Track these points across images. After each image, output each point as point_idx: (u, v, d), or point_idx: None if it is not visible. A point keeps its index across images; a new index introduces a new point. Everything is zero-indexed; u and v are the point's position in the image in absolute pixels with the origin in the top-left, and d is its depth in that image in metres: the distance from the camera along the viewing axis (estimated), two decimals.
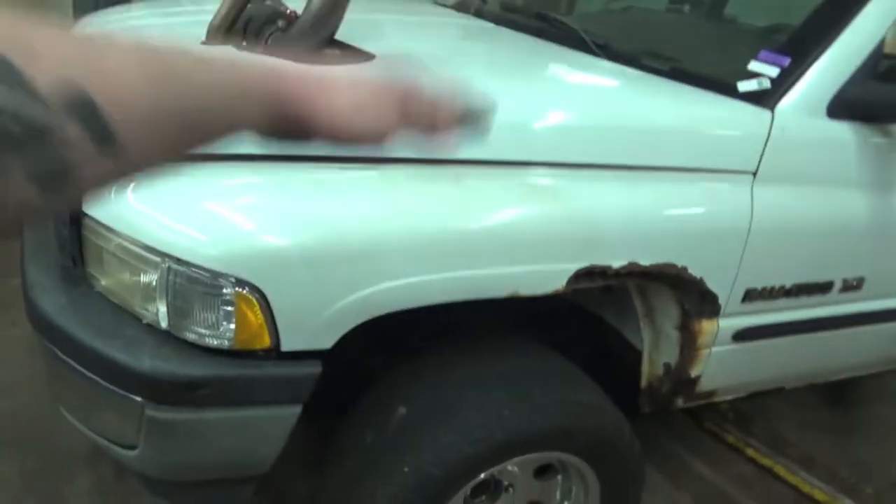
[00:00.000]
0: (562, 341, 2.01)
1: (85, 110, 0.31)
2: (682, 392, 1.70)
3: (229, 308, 1.11)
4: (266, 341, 1.14)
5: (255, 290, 1.10)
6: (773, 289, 1.56)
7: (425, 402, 1.37)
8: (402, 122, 0.53)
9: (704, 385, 1.68)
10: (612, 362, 1.83)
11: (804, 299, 1.61)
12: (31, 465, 1.87)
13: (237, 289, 1.10)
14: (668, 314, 1.57)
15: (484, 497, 1.57)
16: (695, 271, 1.42)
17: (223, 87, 0.40)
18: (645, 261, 1.36)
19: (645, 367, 1.70)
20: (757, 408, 2.07)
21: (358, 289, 1.16)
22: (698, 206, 1.40)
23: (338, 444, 1.45)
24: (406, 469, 1.27)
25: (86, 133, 0.31)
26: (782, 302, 1.59)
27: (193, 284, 1.11)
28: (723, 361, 1.64)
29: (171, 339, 1.16)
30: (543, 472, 1.56)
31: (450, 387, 1.39)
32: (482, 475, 1.36)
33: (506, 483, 1.55)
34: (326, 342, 1.18)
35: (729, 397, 1.86)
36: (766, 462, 1.88)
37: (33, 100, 0.29)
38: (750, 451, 1.92)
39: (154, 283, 1.14)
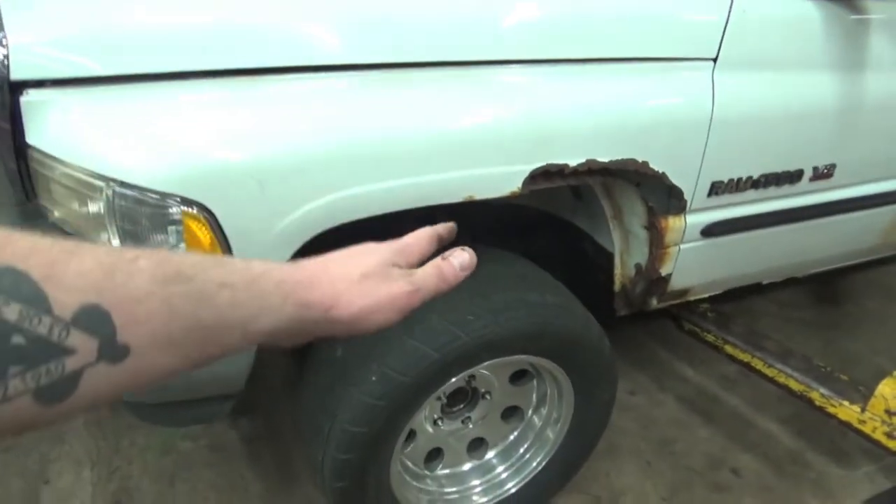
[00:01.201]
0: (540, 253, 2.03)
1: (97, 322, 0.33)
2: (655, 291, 1.70)
3: (177, 228, 1.10)
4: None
5: (202, 208, 1.09)
6: (739, 181, 1.54)
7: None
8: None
9: (676, 283, 1.69)
10: (589, 269, 1.84)
11: (773, 190, 1.59)
12: None
13: (184, 208, 1.09)
14: (635, 213, 1.56)
15: (462, 405, 1.61)
16: (657, 165, 1.40)
17: (243, 307, 0.41)
18: (603, 157, 1.33)
19: (617, 270, 1.70)
20: (739, 308, 2.09)
21: (307, 201, 1.15)
22: (657, 97, 1.37)
23: (311, 360, 1.47)
24: (374, 378, 1.29)
25: (96, 348, 0.33)
26: (750, 194, 1.57)
27: (140, 207, 1.09)
28: (693, 258, 1.63)
29: None
30: (519, 377, 1.60)
31: None
32: (453, 380, 1.38)
33: (482, 390, 1.58)
34: (281, 256, 1.18)
35: (705, 295, 1.87)
36: (744, 357, 1.90)
37: (48, 315, 0.31)
38: (728, 348, 1.95)
39: (101, 209, 1.13)
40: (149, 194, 1.08)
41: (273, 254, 1.17)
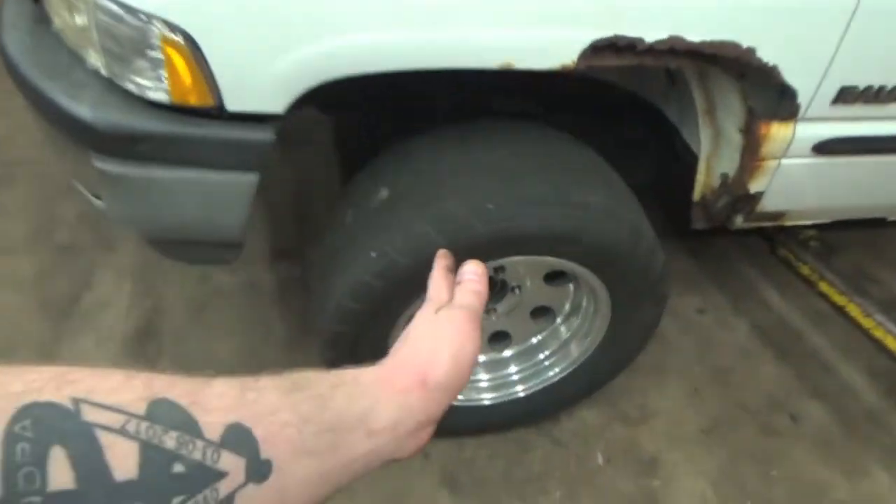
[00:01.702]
0: (623, 143, 1.76)
1: (242, 441, 0.34)
2: (741, 209, 1.43)
3: (158, 55, 0.97)
4: (208, 99, 1.01)
5: (186, 36, 0.95)
6: (882, 90, 1.18)
7: (408, 186, 1.22)
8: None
9: (768, 204, 1.40)
10: (671, 170, 1.57)
11: None
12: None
13: (166, 33, 0.95)
14: (732, 111, 1.26)
15: (494, 311, 1.47)
16: (767, 56, 1.09)
17: (358, 402, 0.44)
18: (694, 35, 1.04)
19: (700, 176, 1.43)
20: (847, 240, 1.75)
21: (306, 43, 0.97)
22: None
23: (328, 220, 1.37)
24: (373, 254, 1.16)
25: (244, 467, 0.34)
26: (892, 108, 1.22)
27: (121, 26, 0.96)
28: (795, 178, 1.33)
29: (115, 88, 1.05)
30: (555, 277, 1.42)
31: (437, 172, 1.22)
32: None
33: (512, 284, 1.43)
34: (277, 105, 1.03)
35: (804, 223, 1.56)
36: (839, 299, 1.61)
37: (201, 440, 0.32)
38: (823, 285, 1.65)
39: (86, 23, 1.01)
40: (129, 14, 0.94)
41: (269, 100, 1.02)
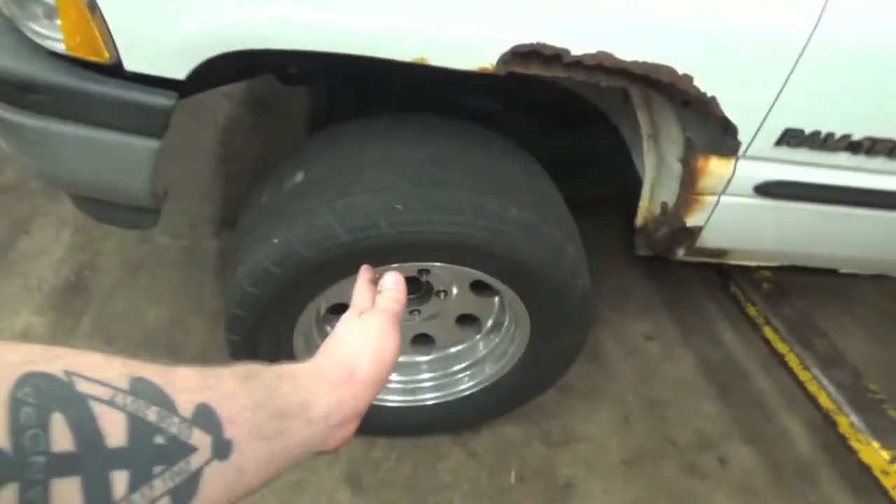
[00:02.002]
0: (582, 156, 1.71)
1: (209, 420, 0.39)
2: (681, 242, 1.37)
3: (52, 1, 0.92)
4: (103, 54, 0.96)
5: None
6: (829, 137, 1.11)
7: (323, 174, 1.17)
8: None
9: (708, 240, 1.33)
10: (619, 191, 1.51)
11: (873, 161, 1.15)
12: None
13: None
14: (672, 139, 1.20)
15: (414, 296, 1.42)
16: (705, 86, 1.02)
17: (298, 393, 0.49)
18: (625, 54, 0.98)
19: (643, 203, 1.37)
20: (801, 284, 1.68)
21: (207, 11, 0.92)
22: None
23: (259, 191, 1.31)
24: (275, 240, 1.12)
25: (210, 444, 0.38)
26: (841, 157, 1.15)
27: None
28: (736, 217, 1.27)
29: (15, 32, 1.01)
30: (482, 288, 1.37)
31: (355, 162, 1.17)
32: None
33: (438, 288, 1.38)
34: (178, 71, 0.98)
35: (747, 263, 1.49)
36: (780, 347, 1.55)
37: (176, 416, 0.37)
38: (767, 330, 1.59)
39: None
40: None
41: (169, 64, 0.97)
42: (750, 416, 1.82)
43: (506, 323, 1.42)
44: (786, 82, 1.03)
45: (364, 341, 0.58)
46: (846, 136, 1.12)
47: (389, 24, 0.93)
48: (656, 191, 1.33)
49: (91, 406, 0.33)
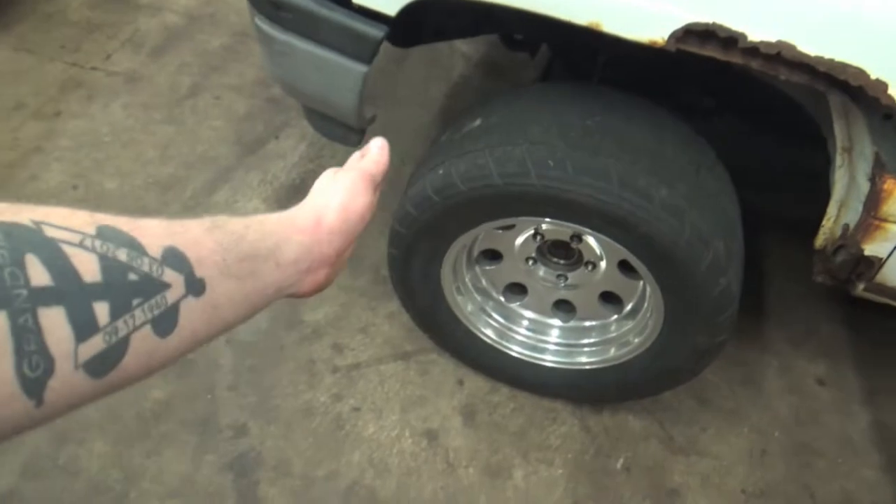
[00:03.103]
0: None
1: (178, 260, 0.40)
2: (861, 273, 1.25)
3: None
4: None
5: None
6: None
7: (497, 123, 1.28)
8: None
9: (889, 277, 1.20)
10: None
11: None
12: None
13: None
14: (865, 155, 1.10)
15: (562, 261, 1.48)
16: None
17: (266, 239, 0.51)
18: (808, 46, 0.93)
19: (827, 222, 1.27)
20: None
21: None
22: None
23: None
24: (440, 171, 1.26)
25: (183, 282, 0.40)
26: None
27: None
28: None
29: None
30: (630, 269, 1.39)
31: (528, 118, 1.25)
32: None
33: (587, 259, 1.43)
34: (390, 8, 1.15)
35: None
36: None
37: (146, 256, 0.38)
38: None
39: None
40: None
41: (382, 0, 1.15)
42: None
43: (642, 310, 1.42)
44: None
45: (333, 193, 0.61)
46: None
47: None
48: (842, 211, 1.22)
49: (62, 248, 0.34)
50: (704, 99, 1.67)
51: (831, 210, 1.25)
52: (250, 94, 2.30)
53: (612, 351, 1.48)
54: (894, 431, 1.70)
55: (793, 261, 1.55)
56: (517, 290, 1.56)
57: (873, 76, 0.93)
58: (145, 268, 0.38)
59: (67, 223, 0.36)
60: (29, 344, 0.32)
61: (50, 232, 0.34)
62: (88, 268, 0.35)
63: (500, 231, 1.40)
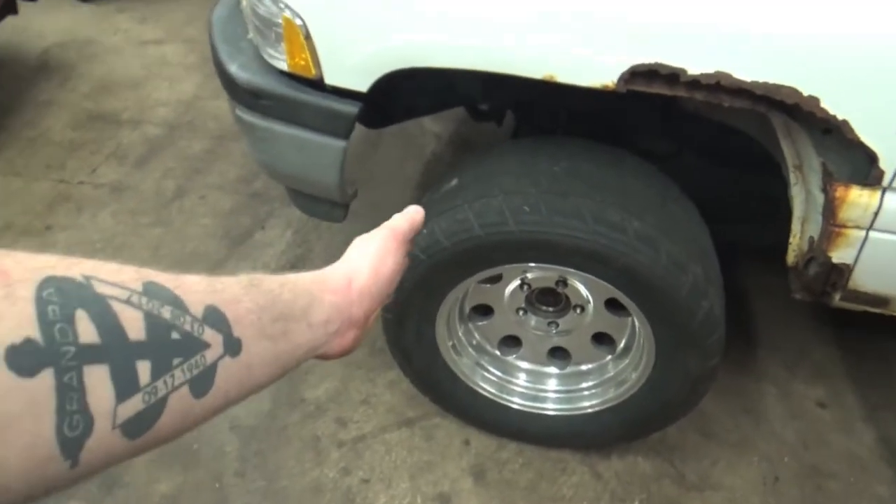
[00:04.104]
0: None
1: (218, 320, 0.42)
2: (835, 284, 1.31)
3: (280, 31, 1.24)
4: (312, 71, 1.26)
5: (301, 18, 1.21)
6: None
7: (472, 180, 1.35)
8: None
9: (864, 283, 1.26)
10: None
11: None
12: None
13: (287, 14, 1.22)
14: (814, 168, 1.19)
15: (551, 308, 1.53)
16: (834, 108, 1.03)
17: (300, 299, 0.53)
18: (744, 73, 1.03)
19: (793, 238, 1.34)
20: None
21: (386, 35, 1.17)
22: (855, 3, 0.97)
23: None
24: (424, 231, 1.32)
25: (222, 342, 0.42)
26: None
27: (260, 6, 1.26)
28: (889, 257, 1.19)
29: (259, 56, 1.36)
30: (618, 307, 1.43)
31: (499, 172, 1.33)
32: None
33: (575, 302, 1.47)
34: (363, 84, 1.24)
35: None
36: None
37: (188, 315, 0.39)
38: None
39: (245, 2, 1.33)
40: None
41: (356, 78, 1.24)
42: None
43: (634, 345, 1.46)
44: None
45: (365, 253, 0.63)
46: None
47: (526, 46, 1.10)
48: (805, 226, 1.30)
49: (110, 304, 0.35)
50: (663, 143, 1.78)
51: (795, 226, 1.32)
52: (234, 190, 2.38)
53: (612, 391, 1.50)
54: None
55: (774, 287, 1.60)
56: (511, 342, 1.59)
57: (805, 93, 1.02)
58: (187, 326, 0.39)
59: (116, 279, 0.36)
60: (71, 403, 0.32)
61: (100, 288, 0.35)
62: (134, 325, 0.36)
63: (488, 285, 1.45)
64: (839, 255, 1.22)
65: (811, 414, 1.79)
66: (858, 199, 1.12)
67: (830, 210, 1.16)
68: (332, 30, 1.21)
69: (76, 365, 0.32)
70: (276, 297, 0.49)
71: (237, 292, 0.45)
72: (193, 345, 0.39)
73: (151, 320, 0.37)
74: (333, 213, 1.57)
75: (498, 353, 1.60)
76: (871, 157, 1.07)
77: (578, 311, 1.48)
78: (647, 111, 1.54)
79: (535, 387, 1.58)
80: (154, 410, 0.36)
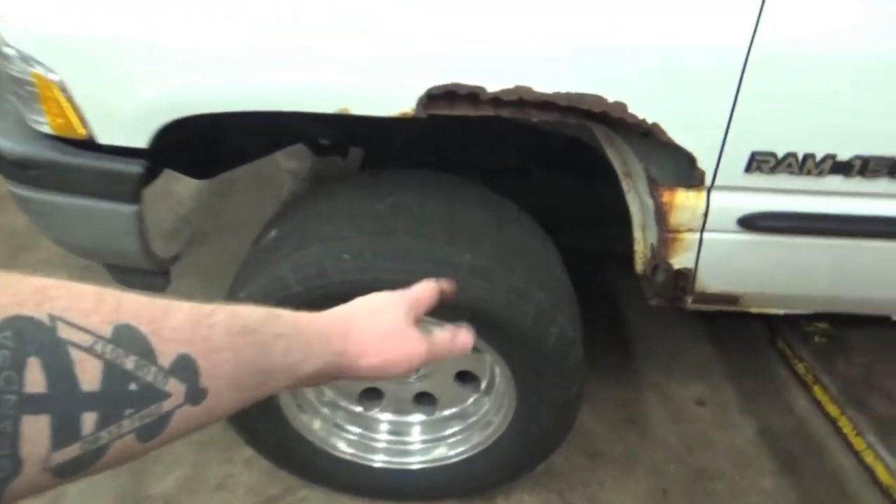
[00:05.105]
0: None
1: (187, 371, 0.40)
2: (684, 288, 1.26)
3: (35, 90, 1.07)
4: (80, 130, 1.09)
5: (54, 74, 1.04)
6: (807, 160, 1.00)
7: (290, 230, 1.22)
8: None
9: (708, 284, 1.22)
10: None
11: (868, 182, 1.02)
12: None
13: (38, 72, 1.04)
14: (638, 173, 1.13)
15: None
16: (643, 112, 0.97)
17: (293, 354, 0.50)
18: (544, 86, 0.96)
19: (637, 246, 1.29)
20: (864, 338, 1.45)
21: (148, 85, 1.02)
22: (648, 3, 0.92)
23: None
24: (242, 294, 1.17)
25: (185, 389, 0.40)
26: (831, 182, 1.03)
27: (10, 66, 1.08)
28: (727, 256, 1.16)
29: (23, 121, 1.17)
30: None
31: (319, 218, 1.21)
32: None
33: None
34: (140, 140, 1.08)
35: (771, 311, 1.33)
36: (831, 409, 1.34)
37: (154, 366, 0.38)
38: (817, 390, 1.39)
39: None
40: (11, 51, 1.05)
41: (132, 134, 1.08)
42: (821, 495, 1.57)
43: (496, 381, 1.36)
44: (736, 99, 0.95)
45: (390, 349, 0.60)
46: (830, 157, 1.00)
47: (308, 78, 0.98)
48: (646, 233, 1.25)
49: (69, 352, 0.34)
50: (508, 160, 1.72)
51: (637, 234, 1.27)
52: (61, 265, 2.12)
53: (477, 436, 1.39)
54: (777, 433, 1.71)
55: (639, 293, 1.57)
56: (372, 394, 1.46)
57: (611, 100, 0.96)
58: (149, 377, 0.38)
59: (85, 322, 0.36)
60: (2, 448, 0.32)
61: (63, 331, 0.34)
62: (89, 376, 0.35)
63: None
64: (679, 261, 1.17)
65: (691, 414, 1.76)
66: (686, 202, 1.08)
67: (661, 216, 1.10)
68: (91, 83, 1.04)
69: (14, 414, 0.32)
70: (265, 350, 0.47)
71: (221, 340, 0.44)
72: (151, 395, 0.38)
73: (110, 370, 0.36)
74: (154, 283, 1.38)
75: (360, 409, 1.47)
76: (689, 159, 1.02)
77: None
78: (482, 131, 1.47)
79: (400, 440, 1.44)
80: (92, 456, 0.36)
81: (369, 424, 1.45)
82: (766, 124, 0.98)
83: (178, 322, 0.41)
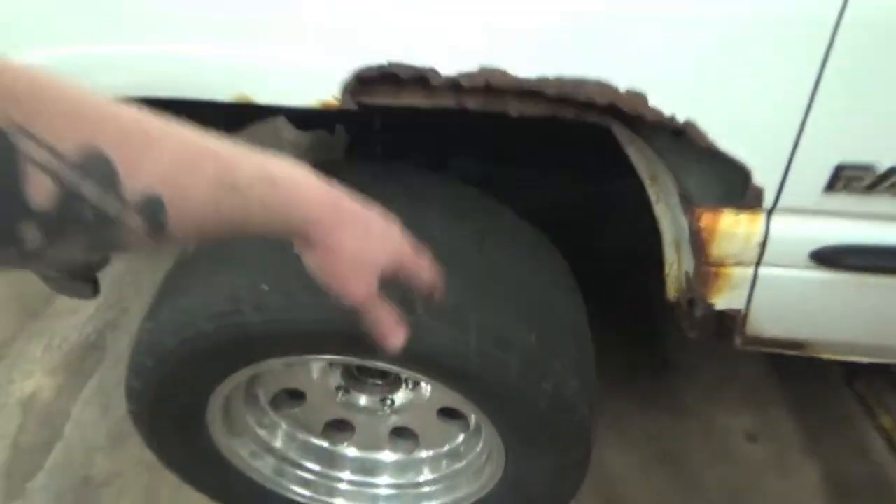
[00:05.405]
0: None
1: (154, 212, 0.38)
2: (731, 328, 0.94)
3: None
4: None
5: None
6: None
7: (214, 251, 0.95)
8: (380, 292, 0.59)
9: (764, 328, 0.90)
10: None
11: None
12: None
13: None
14: (667, 184, 0.81)
15: (379, 381, 1.15)
16: (670, 105, 0.65)
17: (272, 225, 0.47)
18: (523, 68, 0.64)
19: (669, 269, 0.97)
20: None
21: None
22: None
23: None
24: (148, 324, 0.92)
25: (146, 226, 0.38)
26: None
27: None
28: (793, 297, 0.83)
29: None
30: None
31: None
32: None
33: (404, 375, 1.09)
34: None
35: (847, 358, 1.00)
36: None
37: (116, 200, 0.36)
38: None
39: None
40: None
41: None
42: None
43: (481, 432, 1.09)
44: (817, 86, 0.62)
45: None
46: None
47: (204, 61, 0.70)
48: (681, 255, 0.93)
49: (20, 166, 0.32)
50: (482, 165, 1.41)
51: (668, 254, 0.95)
52: None
53: (462, 490, 1.13)
54: (847, 480, 1.38)
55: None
56: (342, 426, 1.21)
57: (623, 88, 0.64)
58: (109, 210, 0.35)
59: (56, 138, 0.33)
60: None
61: (25, 145, 0.32)
62: (42, 193, 0.33)
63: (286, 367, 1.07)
64: (724, 301, 0.86)
65: (740, 452, 1.45)
66: (734, 228, 0.75)
67: (699, 244, 0.79)
68: None
69: None
70: (246, 216, 0.44)
71: (205, 193, 0.40)
72: (107, 224, 0.36)
73: (67, 197, 0.34)
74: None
75: (326, 444, 1.22)
76: (741, 171, 0.70)
77: (411, 384, 1.11)
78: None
79: (359, 480, 1.19)
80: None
81: (335, 462, 1.20)
82: (861, 125, 0.64)
83: (163, 159, 0.38)
